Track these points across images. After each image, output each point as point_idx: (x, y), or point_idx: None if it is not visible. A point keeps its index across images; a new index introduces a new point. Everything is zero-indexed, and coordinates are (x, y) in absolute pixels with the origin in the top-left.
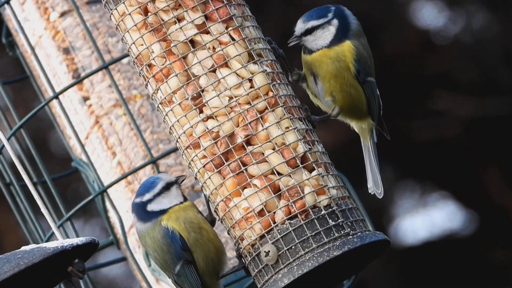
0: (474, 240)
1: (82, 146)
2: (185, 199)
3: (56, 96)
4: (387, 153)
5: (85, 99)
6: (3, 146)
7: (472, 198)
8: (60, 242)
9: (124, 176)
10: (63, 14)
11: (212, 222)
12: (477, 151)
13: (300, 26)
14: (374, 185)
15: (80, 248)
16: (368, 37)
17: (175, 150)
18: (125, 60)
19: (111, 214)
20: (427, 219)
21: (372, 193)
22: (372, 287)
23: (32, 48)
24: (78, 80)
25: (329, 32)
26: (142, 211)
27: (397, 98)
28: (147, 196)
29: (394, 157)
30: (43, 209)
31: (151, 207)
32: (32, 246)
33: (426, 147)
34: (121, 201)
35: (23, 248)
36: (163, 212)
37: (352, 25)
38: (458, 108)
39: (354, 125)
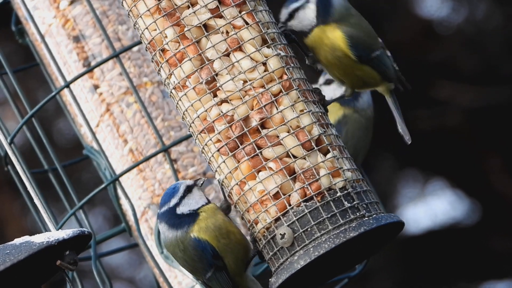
0: (477, 230)
1: (93, 134)
2: (209, 201)
3: (67, 85)
4: (389, 142)
5: (96, 87)
6: (15, 133)
7: (475, 187)
8: (47, 235)
9: (137, 164)
10: (72, 2)
11: (228, 208)
12: (479, 140)
13: (283, 12)
14: (402, 131)
15: (68, 241)
16: (371, 26)
17: (186, 137)
18: (135, 48)
19: (123, 201)
20: (429, 209)
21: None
22: (374, 275)
23: (42, 37)
24: (89, 69)
25: (310, 9)
26: (173, 217)
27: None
28: (173, 201)
29: (396, 146)
30: (36, 201)
31: (180, 210)
32: (22, 239)
33: (429, 136)
34: (133, 189)
35: (16, 240)
36: (194, 215)
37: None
38: (460, 97)
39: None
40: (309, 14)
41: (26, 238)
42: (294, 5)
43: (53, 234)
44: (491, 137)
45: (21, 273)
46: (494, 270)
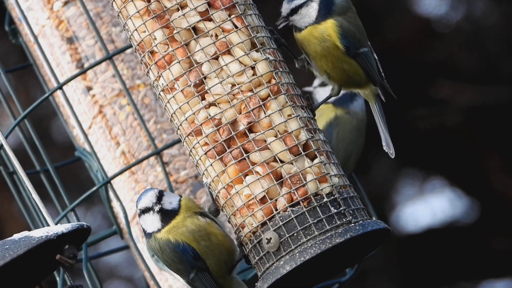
0: (476, 228)
1: (86, 135)
2: (174, 217)
3: (60, 87)
4: None
5: (89, 88)
6: (7, 134)
7: (474, 186)
8: (46, 230)
9: (129, 167)
10: (66, 3)
11: (216, 210)
12: (478, 139)
13: (286, 6)
14: (386, 145)
15: (67, 235)
16: (369, 24)
17: (179, 140)
18: (128, 50)
19: (115, 204)
20: (428, 207)
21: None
22: (372, 274)
23: (36, 38)
24: (82, 71)
25: (313, 8)
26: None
27: (399, 86)
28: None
29: (395, 145)
30: (38, 200)
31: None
32: (21, 234)
33: (428, 135)
34: (125, 191)
35: (15, 236)
36: (149, 235)
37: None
38: (459, 96)
39: (358, 91)
40: (311, 12)
41: (25, 233)
42: (298, 1)
43: (52, 229)
44: (490, 136)
45: (21, 268)
46: (493, 269)
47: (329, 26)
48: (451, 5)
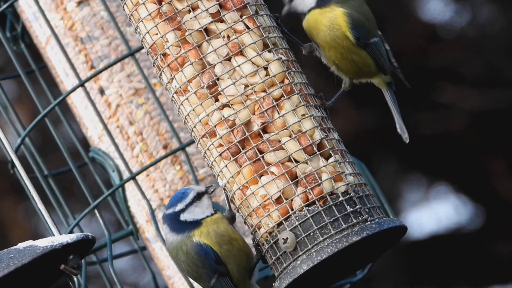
0: (481, 234)
1: (108, 131)
2: (215, 211)
3: (82, 84)
4: (393, 146)
5: (104, 89)
6: (24, 136)
7: (479, 191)
8: (51, 240)
9: (151, 165)
10: (80, 4)
11: (232, 217)
12: (483, 145)
13: None
14: (400, 130)
15: (72, 246)
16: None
17: None
18: (143, 49)
19: (131, 203)
20: (433, 213)
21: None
22: (378, 280)
23: (54, 32)
24: (103, 69)
25: None
26: (175, 222)
27: (403, 91)
28: (179, 206)
29: (400, 151)
30: (42, 209)
31: (184, 217)
32: (26, 243)
33: (432, 140)
34: (143, 190)
35: (20, 245)
36: (196, 223)
37: None
38: (464, 102)
39: (369, 81)
40: None
41: (30, 242)
42: None
43: (57, 238)
44: (495, 141)
45: (25, 277)
46: (498, 275)
47: (339, 15)
48: (456, 11)
